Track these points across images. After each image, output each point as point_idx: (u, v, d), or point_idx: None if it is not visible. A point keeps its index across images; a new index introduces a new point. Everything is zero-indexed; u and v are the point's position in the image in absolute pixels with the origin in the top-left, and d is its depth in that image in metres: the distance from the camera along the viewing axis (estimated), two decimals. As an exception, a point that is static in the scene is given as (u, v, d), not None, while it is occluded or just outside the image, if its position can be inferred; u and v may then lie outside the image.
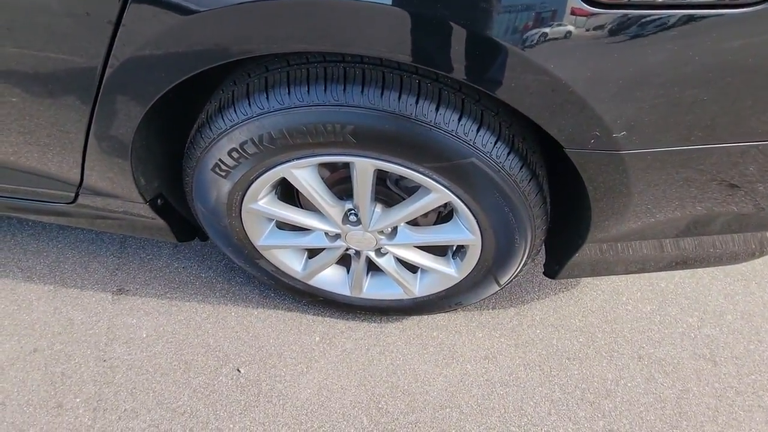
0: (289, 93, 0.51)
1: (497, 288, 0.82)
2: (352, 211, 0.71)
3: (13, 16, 0.49)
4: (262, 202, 0.71)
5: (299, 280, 0.90)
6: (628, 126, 0.48)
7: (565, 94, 0.45)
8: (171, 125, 0.69)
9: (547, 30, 0.41)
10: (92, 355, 0.94)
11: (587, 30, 0.41)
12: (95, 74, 0.51)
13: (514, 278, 0.80)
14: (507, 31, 0.41)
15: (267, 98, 0.53)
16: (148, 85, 0.52)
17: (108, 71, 0.51)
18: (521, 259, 0.73)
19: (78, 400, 0.87)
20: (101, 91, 0.53)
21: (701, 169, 0.56)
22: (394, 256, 0.81)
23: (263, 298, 1.04)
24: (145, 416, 0.85)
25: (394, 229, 0.75)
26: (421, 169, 0.58)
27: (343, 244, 0.78)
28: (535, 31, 0.41)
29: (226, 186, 0.66)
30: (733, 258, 0.76)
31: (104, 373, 0.92)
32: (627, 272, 0.79)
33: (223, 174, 0.63)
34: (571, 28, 0.41)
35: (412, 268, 0.86)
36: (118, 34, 0.47)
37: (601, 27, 0.41)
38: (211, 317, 1.00)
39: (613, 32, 0.41)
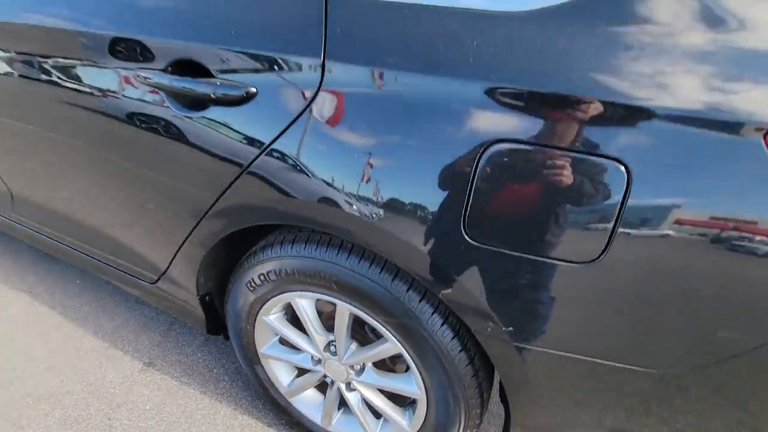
0: (304, 247, 0.79)
1: None
2: (333, 343, 0.90)
3: (175, 163, 0.84)
4: (272, 317, 0.94)
5: (282, 396, 1.03)
6: (516, 322, 0.64)
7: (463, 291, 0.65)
8: (232, 248, 0.99)
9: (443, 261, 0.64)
10: (103, 411, 1.12)
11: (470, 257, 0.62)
12: (206, 208, 0.84)
13: None
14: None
15: (290, 247, 0.81)
16: (231, 223, 0.84)
17: (213, 208, 0.84)
18: (460, 428, 0.81)
19: (74, 446, 1.03)
20: (204, 217, 0.86)
21: (603, 385, 0.66)
22: (360, 395, 0.94)
23: (252, 407, 1.17)
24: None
25: (363, 367, 0.90)
26: (380, 320, 0.78)
27: (322, 369, 0.94)
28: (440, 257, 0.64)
29: (251, 297, 0.90)
30: None
31: (104, 430, 1.07)
32: None
33: (251, 289, 0.89)
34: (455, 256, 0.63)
35: (377, 414, 0.96)
36: (226, 193, 0.80)
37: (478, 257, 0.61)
38: (204, 410, 1.14)
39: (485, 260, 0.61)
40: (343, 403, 0.99)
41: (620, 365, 0.62)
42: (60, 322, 1.36)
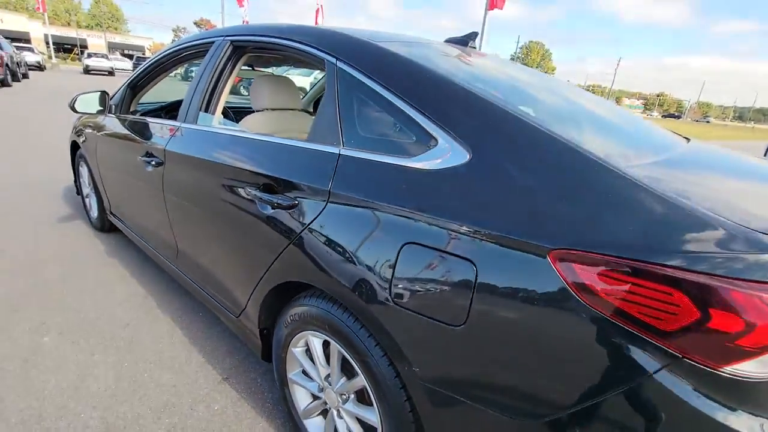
0: (315, 299, 1.20)
1: None
2: (330, 375, 1.24)
3: (257, 237, 1.37)
4: (297, 349, 1.33)
5: (299, 416, 1.38)
6: (421, 364, 0.92)
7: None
8: (283, 297, 1.44)
9: (379, 319, 0.98)
10: (189, 403, 1.60)
11: None
12: (268, 265, 1.31)
13: None
14: None
15: (309, 299, 1.22)
16: (278, 278, 1.31)
17: (271, 267, 1.31)
18: None
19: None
20: (266, 271, 1.33)
21: None
22: (346, 423, 1.23)
23: (280, 426, 1.52)
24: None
25: (348, 398, 1.21)
26: (353, 357, 1.11)
27: (322, 396, 1.28)
28: None
29: (285, 332, 1.32)
30: None
31: (183, 414, 1.54)
32: None
33: (286, 326, 1.31)
34: None
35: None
36: (278, 257, 1.28)
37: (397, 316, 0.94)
38: (249, 419, 1.54)
39: None
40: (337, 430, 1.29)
41: (491, 411, 0.85)
42: (182, 339, 1.96)
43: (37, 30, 45.22)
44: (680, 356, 0.66)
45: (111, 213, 2.70)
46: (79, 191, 3.34)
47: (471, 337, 0.84)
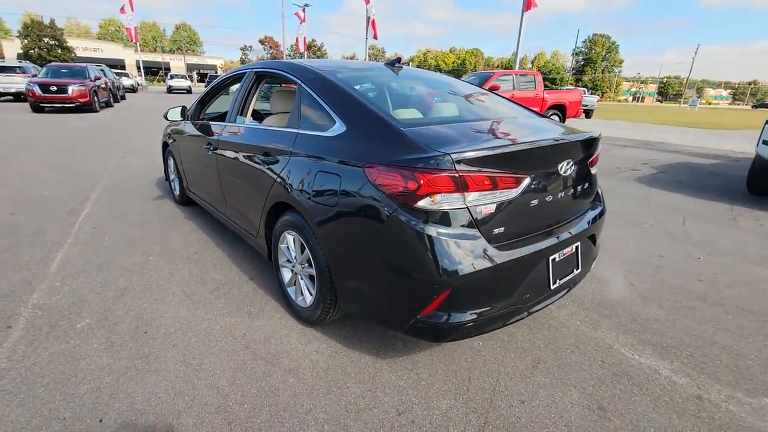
0: (288, 212, 2.21)
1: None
2: (295, 256, 2.25)
3: (260, 182, 2.43)
4: (282, 245, 2.34)
5: (285, 285, 2.40)
6: (322, 228, 1.90)
7: None
8: (275, 216, 2.47)
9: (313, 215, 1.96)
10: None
11: None
12: (265, 196, 2.36)
13: (326, 316, 2.04)
14: None
15: (285, 213, 2.24)
16: (270, 203, 2.34)
17: (269, 195, 2.34)
18: (323, 302, 2.02)
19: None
20: (265, 201, 2.37)
21: None
22: (304, 281, 2.23)
23: (278, 294, 2.56)
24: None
25: (303, 265, 2.20)
26: (302, 239, 2.10)
27: (294, 270, 2.29)
28: None
29: (276, 234, 2.35)
30: None
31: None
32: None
33: (276, 231, 2.33)
34: None
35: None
36: (272, 189, 2.31)
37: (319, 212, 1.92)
38: (261, 293, 2.60)
39: None
40: (300, 291, 2.29)
41: (352, 256, 1.82)
42: (226, 259, 3.08)
43: (130, 57, 52.04)
44: (407, 204, 1.57)
45: (188, 189, 3.96)
46: (167, 178, 4.71)
47: (342, 215, 1.81)
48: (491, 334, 2.23)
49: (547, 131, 2.13)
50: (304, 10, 30.41)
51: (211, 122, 3.24)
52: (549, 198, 1.81)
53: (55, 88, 12.99)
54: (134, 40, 31.69)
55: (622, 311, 2.49)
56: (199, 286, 2.68)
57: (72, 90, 13.02)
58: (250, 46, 61.45)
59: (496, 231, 1.65)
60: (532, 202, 1.73)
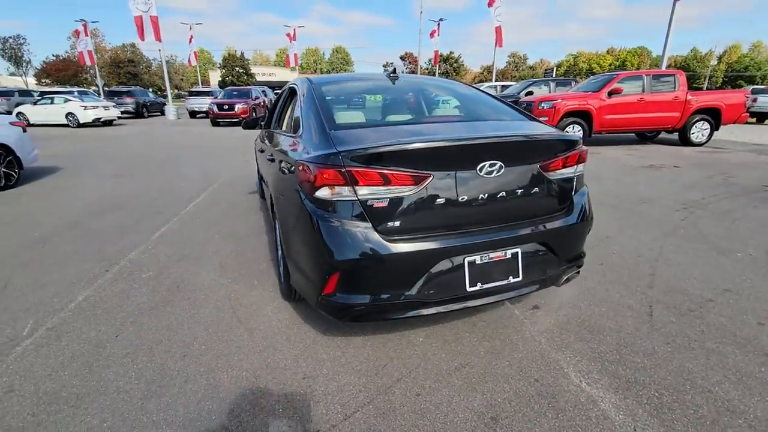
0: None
1: None
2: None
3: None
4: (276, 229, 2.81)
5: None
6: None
7: None
8: None
9: None
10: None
11: None
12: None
13: (291, 292, 2.39)
14: None
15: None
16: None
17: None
18: None
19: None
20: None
21: None
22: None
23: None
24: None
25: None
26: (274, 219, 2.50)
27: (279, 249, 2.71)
28: None
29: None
30: None
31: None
32: None
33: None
34: None
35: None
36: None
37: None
38: (266, 262, 3.10)
39: None
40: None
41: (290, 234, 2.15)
42: (268, 240, 3.71)
43: (294, 78, 61.11)
44: (310, 194, 1.83)
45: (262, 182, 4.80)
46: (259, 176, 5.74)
47: (285, 202, 2.16)
48: (438, 332, 2.25)
49: (495, 131, 2.09)
50: (438, 25, 31.35)
51: (264, 131, 3.93)
52: (464, 198, 1.81)
53: (227, 107, 16.45)
54: (295, 64, 37.36)
55: (611, 339, 2.19)
56: (232, 261, 3.33)
57: (237, 108, 16.30)
58: (391, 63, 65.78)
59: (390, 224, 1.76)
60: (438, 200, 1.78)
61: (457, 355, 2.08)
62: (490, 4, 21.40)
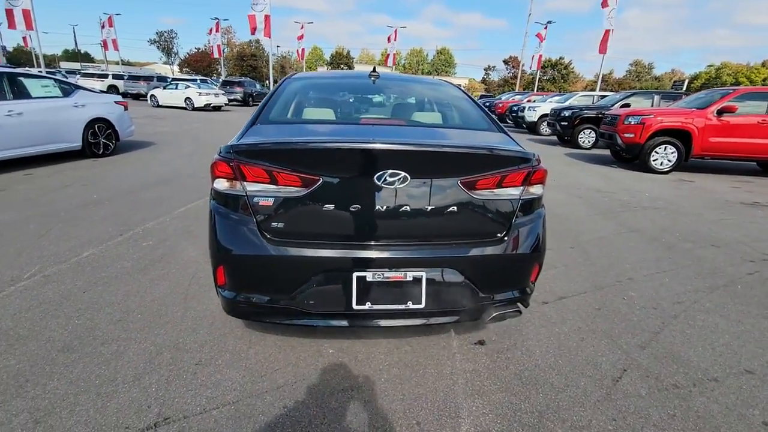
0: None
1: None
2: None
3: None
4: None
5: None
6: None
7: None
8: None
9: None
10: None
11: None
12: None
13: None
14: None
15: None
16: None
17: None
18: None
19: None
20: None
21: None
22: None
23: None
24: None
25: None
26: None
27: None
28: None
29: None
30: None
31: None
32: None
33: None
34: None
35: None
36: None
37: None
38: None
39: None
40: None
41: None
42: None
43: (394, 78, 62.61)
44: (212, 185, 1.84)
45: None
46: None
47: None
48: (353, 347, 2.11)
49: (425, 139, 1.88)
50: (545, 28, 29.41)
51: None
52: (356, 208, 1.66)
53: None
54: (393, 64, 38.19)
55: (542, 399, 1.83)
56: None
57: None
58: (494, 66, 63.49)
59: (274, 224, 1.69)
60: (326, 206, 1.65)
61: (354, 376, 1.93)
62: (604, 5, 19.36)
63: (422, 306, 1.73)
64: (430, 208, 1.69)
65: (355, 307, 1.70)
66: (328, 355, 2.06)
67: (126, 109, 7.59)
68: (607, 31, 18.83)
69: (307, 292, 1.69)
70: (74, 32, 72.63)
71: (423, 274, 1.71)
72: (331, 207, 1.65)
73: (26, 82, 6.00)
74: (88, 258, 3.07)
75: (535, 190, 1.85)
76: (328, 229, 1.70)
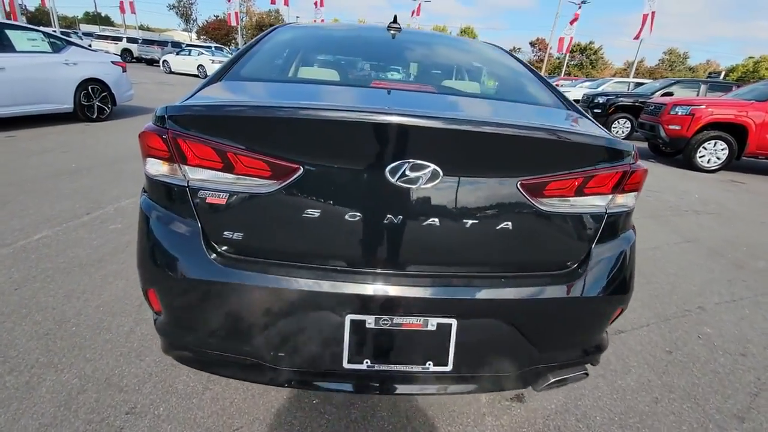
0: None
1: None
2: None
3: None
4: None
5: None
6: None
7: None
8: None
9: None
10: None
11: None
12: None
13: None
14: None
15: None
16: None
17: None
18: None
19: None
20: None
21: None
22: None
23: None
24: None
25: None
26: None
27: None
28: None
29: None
30: None
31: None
32: None
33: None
34: None
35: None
36: None
37: None
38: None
39: None
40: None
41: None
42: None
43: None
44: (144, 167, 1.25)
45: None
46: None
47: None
48: (350, 398, 1.55)
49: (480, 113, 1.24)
50: (580, 6, 27.68)
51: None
52: (356, 217, 1.05)
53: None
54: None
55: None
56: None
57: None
58: (519, 48, 60.90)
59: (228, 233, 1.09)
60: (309, 211, 1.05)
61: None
62: (649, -16, 17.78)
63: (448, 368, 1.14)
64: (469, 223, 1.07)
65: (346, 365, 1.12)
66: (310, 408, 1.50)
67: (124, 70, 7.00)
68: (645, 15, 17.33)
69: (274, 339, 1.11)
70: (94, -7, 71.50)
71: (453, 322, 1.11)
72: (315, 213, 1.05)
73: (10, 33, 5.42)
74: (38, 242, 2.55)
75: (627, 200, 1.22)
76: (309, 246, 1.10)
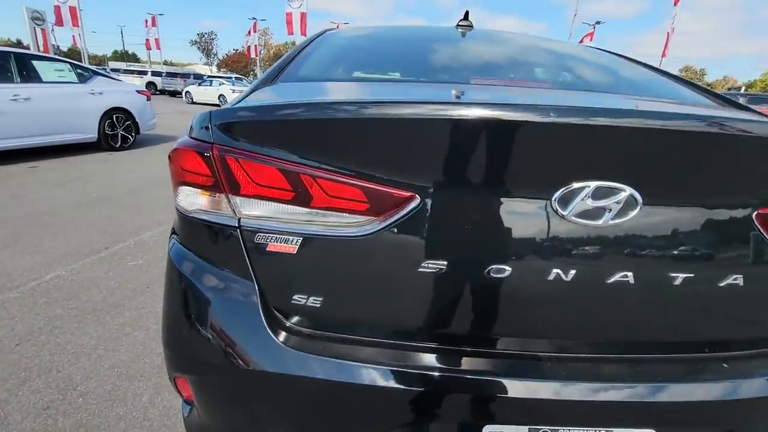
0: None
1: None
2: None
3: None
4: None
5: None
6: None
7: None
8: None
9: None
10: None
11: None
12: None
13: None
14: None
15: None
16: None
17: None
18: None
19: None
20: None
21: None
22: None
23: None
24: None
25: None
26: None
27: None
28: None
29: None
30: None
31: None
32: None
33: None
34: None
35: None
36: None
37: None
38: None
39: None
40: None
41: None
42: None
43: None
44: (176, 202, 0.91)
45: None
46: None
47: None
48: None
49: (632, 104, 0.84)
50: (593, 28, 27.66)
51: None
52: (502, 272, 0.67)
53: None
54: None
55: None
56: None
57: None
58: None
59: (300, 298, 0.72)
60: (427, 263, 0.68)
61: None
62: (676, 2, 17.57)
63: None
64: (679, 278, 0.68)
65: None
66: None
67: (149, 99, 6.95)
68: (668, 34, 17.06)
69: None
70: (122, 32, 76.28)
71: (650, 435, 0.70)
72: (439, 267, 0.67)
73: (37, 65, 5.39)
74: (49, 283, 2.24)
75: None
76: (429, 320, 0.72)
